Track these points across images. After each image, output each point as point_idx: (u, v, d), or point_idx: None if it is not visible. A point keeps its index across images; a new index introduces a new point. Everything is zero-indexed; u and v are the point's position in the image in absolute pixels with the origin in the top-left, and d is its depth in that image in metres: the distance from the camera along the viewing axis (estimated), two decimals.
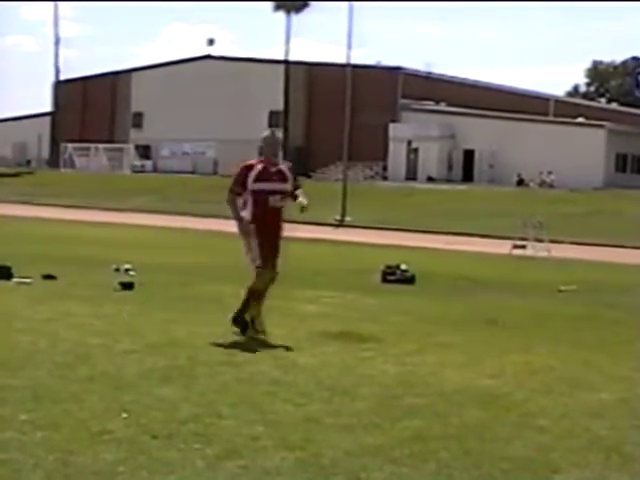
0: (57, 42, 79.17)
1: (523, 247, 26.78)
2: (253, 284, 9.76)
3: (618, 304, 14.60)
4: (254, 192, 9.56)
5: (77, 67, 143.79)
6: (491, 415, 6.79)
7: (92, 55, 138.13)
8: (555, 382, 8.07)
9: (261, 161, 9.72)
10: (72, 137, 78.77)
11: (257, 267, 9.70)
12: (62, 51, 79.98)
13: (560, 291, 16.29)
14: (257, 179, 9.56)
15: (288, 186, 9.72)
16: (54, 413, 6.23)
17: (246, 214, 9.61)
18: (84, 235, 25.94)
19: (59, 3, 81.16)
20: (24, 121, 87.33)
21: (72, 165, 76.70)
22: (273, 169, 9.67)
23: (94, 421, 6.07)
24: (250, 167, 9.66)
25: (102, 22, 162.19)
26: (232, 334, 9.59)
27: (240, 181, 9.63)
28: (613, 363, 9.16)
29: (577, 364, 9.02)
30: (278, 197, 9.64)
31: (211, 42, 78.79)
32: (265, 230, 9.56)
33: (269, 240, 9.64)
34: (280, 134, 10.48)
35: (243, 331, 9.57)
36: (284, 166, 9.92)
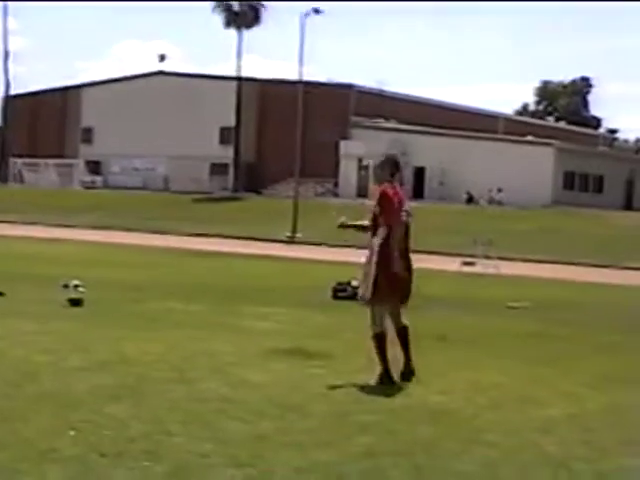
0: (6, 57, 78.51)
1: (472, 264, 26.95)
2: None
3: (567, 320, 14.74)
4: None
5: (26, 82, 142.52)
6: (440, 431, 6.81)
7: (41, 70, 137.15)
8: (504, 398, 8.13)
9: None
10: (21, 152, 78.00)
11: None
12: (11, 66, 79.05)
13: (509, 308, 16.41)
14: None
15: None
16: (1, 432, 6.16)
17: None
18: (34, 251, 25.69)
19: (8, 16, 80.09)
20: None
21: (21, 180, 75.98)
22: None
23: (41, 440, 6.00)
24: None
25: (52, 37, 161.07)
26: (183, 351, 9.55)
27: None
28: (562, 379, 9.24)
29: (526, 380, 9.09)
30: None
31: (162, 58, 78.55)
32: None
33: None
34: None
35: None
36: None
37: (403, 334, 8.85)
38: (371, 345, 8.65)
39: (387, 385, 8.35)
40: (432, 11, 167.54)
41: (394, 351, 8.72)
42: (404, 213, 8.76)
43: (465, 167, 60.94)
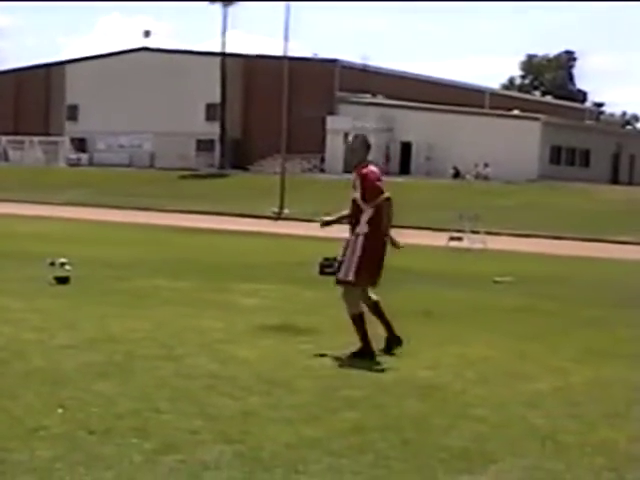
0: None
1: (459, 239, 27.00)
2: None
3: (553, 295, 14.79)
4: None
5: (9, 58, 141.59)
6: (428, 406, 6.84)
7: (24, 46, 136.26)
8: (491, 373, 8.16)
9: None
10: (5, 130, 77.66)
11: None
12: None
13: (495, 282, 16.45)
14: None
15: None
16: None
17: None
18: (19, 229, 25.61)
19: None
20: None
21: (6, 158, 75.68)
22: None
23: (30, 417, 6.00)
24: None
25: (35, 13, 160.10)
26: (170, 328, 9.56)
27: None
28: (549, 353, 9.28)
29: (513, 355, 9.12)
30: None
31: (147, 34, 78.13)
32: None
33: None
34: None
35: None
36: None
37: (378, 308, 8.95)
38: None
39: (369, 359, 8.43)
40: None
41: (372, 328, 8.76)
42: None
43: (452, 142, 60.95)
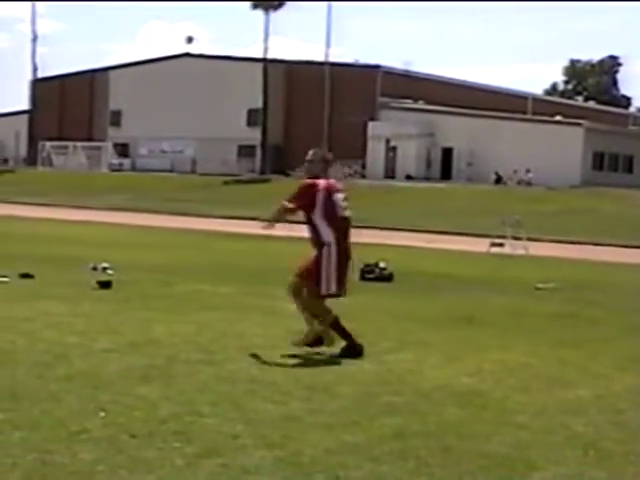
0: (35, 39, 78.89)
1: (501, 245, 26.83)
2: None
3: (596, 302, 14.66)
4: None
5: (54, 65, 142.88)
6: (469, 412, 6.81)
7: (69, 53, 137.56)
8: (533, 379, 8.11)
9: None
10: (50, 135, 78.42)
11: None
12: (39, 48, 79.60)
13: (537, 289, 16.34)
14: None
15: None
16: (32, 413, 6.21)
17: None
18: (62, 234, 25.82)
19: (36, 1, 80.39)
20: (1, 119, 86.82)
21: (50, 163, 76.33)
22: None
23: (72, 420, 6.05)
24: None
25: (79, 20, 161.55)
26: (212, 332, 9.59)
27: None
28: (590, 360, 9.20)
29: (554, 361, 9.06)
30: None
31: (190, 40, 78.70)
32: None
33: None
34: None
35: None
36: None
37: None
38: (397, 328, 8.67)
39: (356, 356, 8.64)
40: None
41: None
42: (339, 208, 8.92)
43: (493, 148, 60.71)
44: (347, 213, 9.00)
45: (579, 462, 5.76)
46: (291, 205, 8.87)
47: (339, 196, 8.97)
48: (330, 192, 8.90)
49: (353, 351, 8.76)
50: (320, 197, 8.83)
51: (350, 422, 6.35)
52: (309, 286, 8.90)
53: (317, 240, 8.88)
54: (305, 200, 8.87)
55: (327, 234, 8.82)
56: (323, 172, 9.07)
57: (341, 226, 8.89)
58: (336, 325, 8.93)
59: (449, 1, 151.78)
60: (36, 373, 7.35)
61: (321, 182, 8.92)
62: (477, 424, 6.49)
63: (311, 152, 9.33)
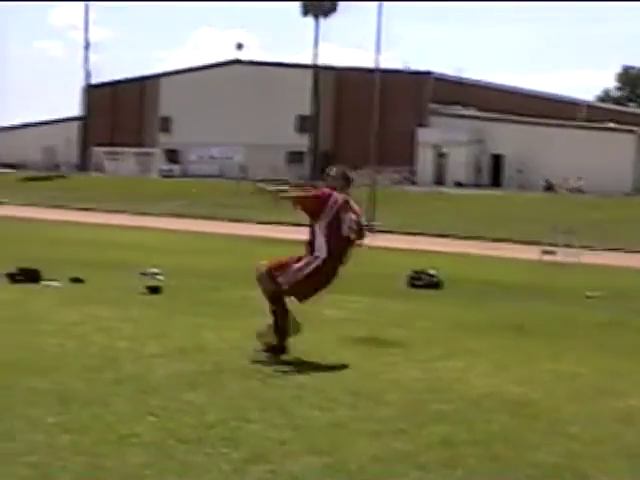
0: (87, 46, 79.74)
1: (552, 253, 26.65)
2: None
3: None
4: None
5: (105, 72, 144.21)
6: (518, 421, 6.75)
7: (120, 60, 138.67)
8: (583, 389, 8.03)
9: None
10: (101, 141, 79.24)
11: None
12: (91, 56, 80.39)
13: (588, 297, 16.19)
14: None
15: None
16: (82, 416, 6.26)
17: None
18: (113, 239, 26.05)
19: (89, 6, 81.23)
20: (53, 125, 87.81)
21: (101, 169, 77.12)
22: None
23: (122, 424, 6.09)
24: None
25: (131, 27, 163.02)
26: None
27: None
28: None
29: (605, 371, 8.96)
30: None
31: (240, 47, 78.99)
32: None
33: None
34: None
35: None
36: None
37: (285, 316, 8.98)
38: (446, 336, 8.61)
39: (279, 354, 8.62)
40: None
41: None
42: (345, 227, 8.78)
43: (544, 155, 60.29)
44: (352, 235, 8.83)
45: (630, 473, 5.69)
46: (294, 198, 8.87)
47: (350, 217, 8.82)
48: (341, 209, 8.76)
49: (278, 350, 8.67)
50: (328, 211, 8.72)
51: (397, 429, 6.32)
52: (272, 271, 8.78)
53: (309, 248, 8.82)
54: (311, 205, 8.79)
55: (321, 249, 8.73)
56: (342, 189, 8.95)
57: (340, 246, 8.77)
58: (279, 317, 8.76)
59: (499, 1, 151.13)
60: (86, 377, 7.40)
61: (338, 197, 8.80)
62: (526, 433, 6.43)
63: (334, 168, 9.27)
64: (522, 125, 63.66)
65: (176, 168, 76.15)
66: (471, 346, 9.95)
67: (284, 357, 8.66)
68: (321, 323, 11.10)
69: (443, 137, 64.29)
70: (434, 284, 16.35)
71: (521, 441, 6.22)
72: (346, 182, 9.08)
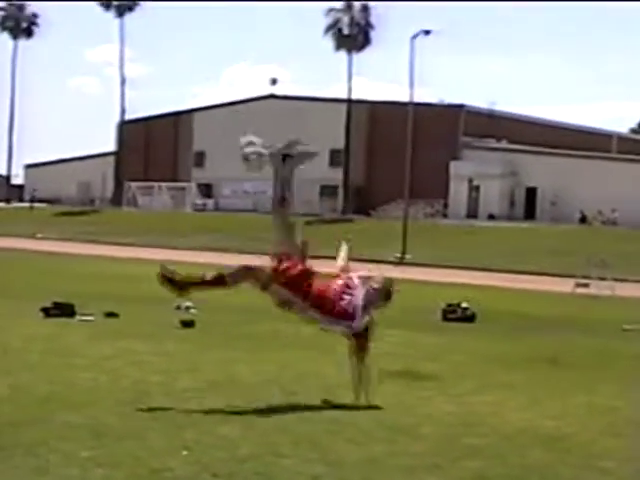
0: (123, 83, 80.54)
1: (586, 285, 26.49)
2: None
3: None
4: None
5: (140, 107, 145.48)
6: (553, 456, 6.68)
7: (154, 96, 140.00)
8: (620, 423, 7.94)
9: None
10: (135, 176, 79.77)
11: None
12: (126, 92, 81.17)
13: (625, 330, 16.06)
14: None
15: None
16: (115, 450, 6.26)
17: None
18: (147, 273, 26.11)
19: (124, 45, 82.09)
20: (88, 161, 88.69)
21: (135, 204, 77.62)
22: None
23: (154, 459, 6.08)
24: None
25: (165, 63, 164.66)
26: (292, 372, 9.58)
27: None
28: None
29: None
30: None
31: (274, 82, 79.49)
32: None
33: None
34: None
35: None
36: None
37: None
38: (479, 369, 8.55)
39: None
40: (542, 29, 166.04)
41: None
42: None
43: (578, 187, 60.04)
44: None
45: None
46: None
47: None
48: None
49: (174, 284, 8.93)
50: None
51: (432, 464, 6.27)
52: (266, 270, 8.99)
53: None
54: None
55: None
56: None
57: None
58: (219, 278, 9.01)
59: (532, 35, 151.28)
60: (118, 411, 7.41)
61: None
62: (561, 468, 6.36)
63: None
64: (555, 157, 63.51)
65: (210, 202, 76.50)
66: (505, 380, 9.88)
67: (318, 391, 8.64)
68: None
69: (476, 170, 64.23)
70: (468, 317, 16.29)
71: (555, 476, 6.16)
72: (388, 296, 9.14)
